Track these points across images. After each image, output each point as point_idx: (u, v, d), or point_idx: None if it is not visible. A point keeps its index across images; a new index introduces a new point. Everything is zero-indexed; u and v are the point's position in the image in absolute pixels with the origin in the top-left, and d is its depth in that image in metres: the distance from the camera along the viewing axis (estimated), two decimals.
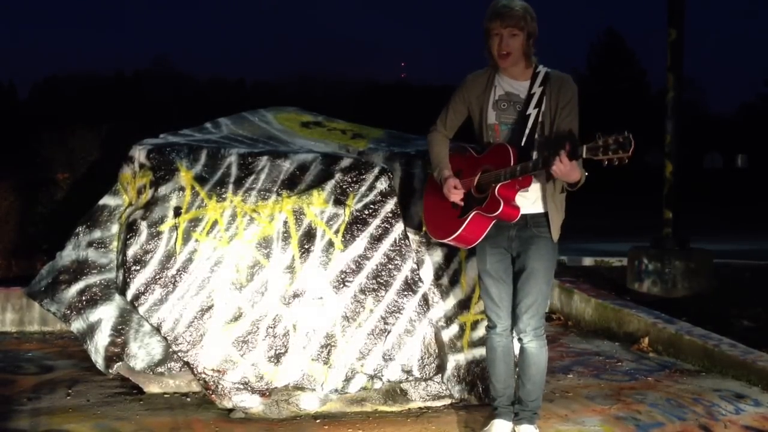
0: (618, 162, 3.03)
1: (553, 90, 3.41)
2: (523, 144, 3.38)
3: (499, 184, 3.33)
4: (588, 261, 8.98)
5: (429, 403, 4.15)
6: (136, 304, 4.08)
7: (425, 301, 4.13)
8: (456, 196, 3.46)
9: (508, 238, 3.49)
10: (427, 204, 3.79)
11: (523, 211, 3.43)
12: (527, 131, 3.39)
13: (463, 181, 3.49)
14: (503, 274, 3.54)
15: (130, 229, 4.20)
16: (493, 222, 3.44)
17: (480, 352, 4.13)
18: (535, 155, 3.37)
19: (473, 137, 3.64)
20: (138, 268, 4.11)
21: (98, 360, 4.27)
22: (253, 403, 4.01)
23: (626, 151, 2.99)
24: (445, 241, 3.62)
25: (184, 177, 4.25)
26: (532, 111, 3.40)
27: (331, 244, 4.11)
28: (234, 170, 4.27)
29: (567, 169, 3.15)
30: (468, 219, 3.44)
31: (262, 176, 4.25)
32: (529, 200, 3.45)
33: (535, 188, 3.44)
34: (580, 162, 3.21)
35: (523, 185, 3.38)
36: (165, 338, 4.07)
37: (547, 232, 3.45)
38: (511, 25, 3.35)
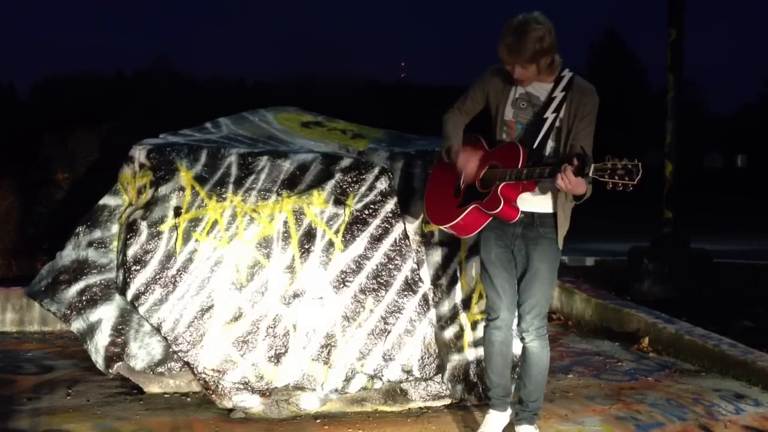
0: (622, 188, 3.01)
1: (574, 98, 3.36)
2: (535, 147, 3.35)
3: (503, 184, 3.32)
4: (588, 261, 8.99)
5: (429, 403, 4.15)
6: (137, 304, 4.08)
7: (425, 301, 4.13)
8: (473, 163, 3.41)
9: (513, 235, 3.48)
10: (430, 187, 3.78)
11: (532, 209, 3.42)
12: (541, 134, 3.36)
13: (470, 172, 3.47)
14: (507, 264, 3.53)
15: (130, 229, 4.20)
16: (491, 218, 3.44)
17: (480, 352, 4.13)
18: (545, 160, 3.34)
19: (488, 130, 3.62)
20: (138, 268, 4.11)
21: (98, 360, 4.27)
22: (253, 403, 4.01)
23: (632, 179, 2.97)
24: (442, 227, 3.61)
25: (184, 177, 4.24)
26: (549, 115, 3.37)
27: (331, 244, 4.11)
28: (234, 170, 4.27)
29: (572, 184, 3.13)
30: (466, 211, 3.43)
31: (262, 176, 4.25)
32: (539, 199, 3.43)
33: (546, 188, 3.42)
34: (588, 178, 3.20)
35: (527, 189, 3.37)
36: (165, 338, 4.07)
37: (553, 233, 3.44)
38: (520, 63, 3.31)
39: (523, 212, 3.41)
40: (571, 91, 3.38)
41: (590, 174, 3.08)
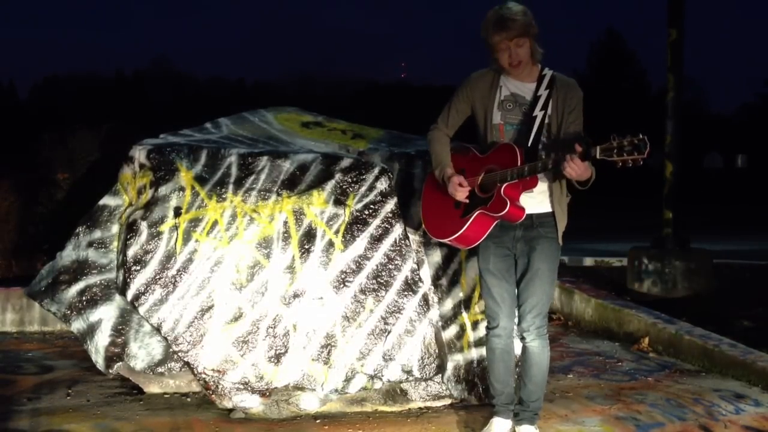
0: (632, 164, 3.02)
1: (560, 94, 3.42)
2: (529, 145, 3.38)
3: (506, 184, 3.33)
4: (588, 261, 8.99)
5: (429, 403, 4.15)
6: (137, 304, 4.08)
7: (425, 301, 4.13)
8: (461, 193, 3.44)
9: (514, 239, 3.48)
10: (427, 203, 3.78)
11: (530, 210, 3.42)
12: (534, 132, 3.39)
13: (466, 180, 3.48)
14: (506, 273, 3.53)
15: (130, 229, 4.20)
16: (496, 222, 3.44)
17: (480, 352, 4.14)
18: (541, 156, 3.37)
19: (474, 137, 3.64)
20: (138, 268, 4.11)
21: (98, 360, 4.27)
22: (253, 403, 4.01)
23: (641, 153, 2.99)
24: (445, 240, 3.61)
25: (184, 177, 4.25)
26: (538, 113, 3.40)
27: (331, 244, 4.11)
28: (234, 170, 4.27)
29: (580, 170, 3.17)
30: (471, 218, 3.43)
31: (262, 176, 4.25)
32: (536, 200, 3.44)
33: (542, 188, 3.44)
34: (595, 160, 3.21)
35: (529, 186, 3.37)
36: (165, 338, 4.07)
37: (553, 232, 3.46)
38: (517, 35, 3.35)
39: None
40: (555, 88, 3.43)
41: (597, 156, 3.10)
